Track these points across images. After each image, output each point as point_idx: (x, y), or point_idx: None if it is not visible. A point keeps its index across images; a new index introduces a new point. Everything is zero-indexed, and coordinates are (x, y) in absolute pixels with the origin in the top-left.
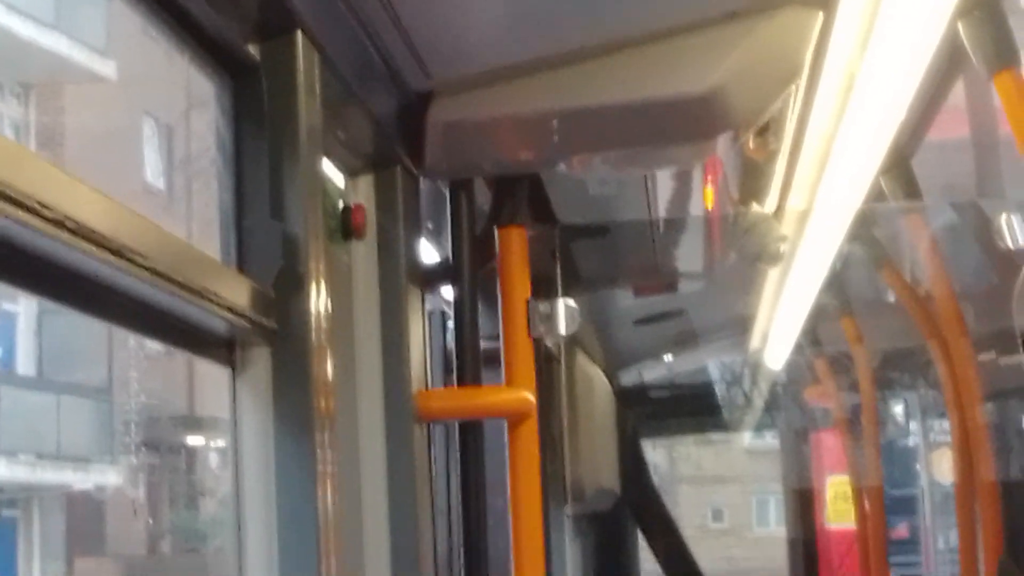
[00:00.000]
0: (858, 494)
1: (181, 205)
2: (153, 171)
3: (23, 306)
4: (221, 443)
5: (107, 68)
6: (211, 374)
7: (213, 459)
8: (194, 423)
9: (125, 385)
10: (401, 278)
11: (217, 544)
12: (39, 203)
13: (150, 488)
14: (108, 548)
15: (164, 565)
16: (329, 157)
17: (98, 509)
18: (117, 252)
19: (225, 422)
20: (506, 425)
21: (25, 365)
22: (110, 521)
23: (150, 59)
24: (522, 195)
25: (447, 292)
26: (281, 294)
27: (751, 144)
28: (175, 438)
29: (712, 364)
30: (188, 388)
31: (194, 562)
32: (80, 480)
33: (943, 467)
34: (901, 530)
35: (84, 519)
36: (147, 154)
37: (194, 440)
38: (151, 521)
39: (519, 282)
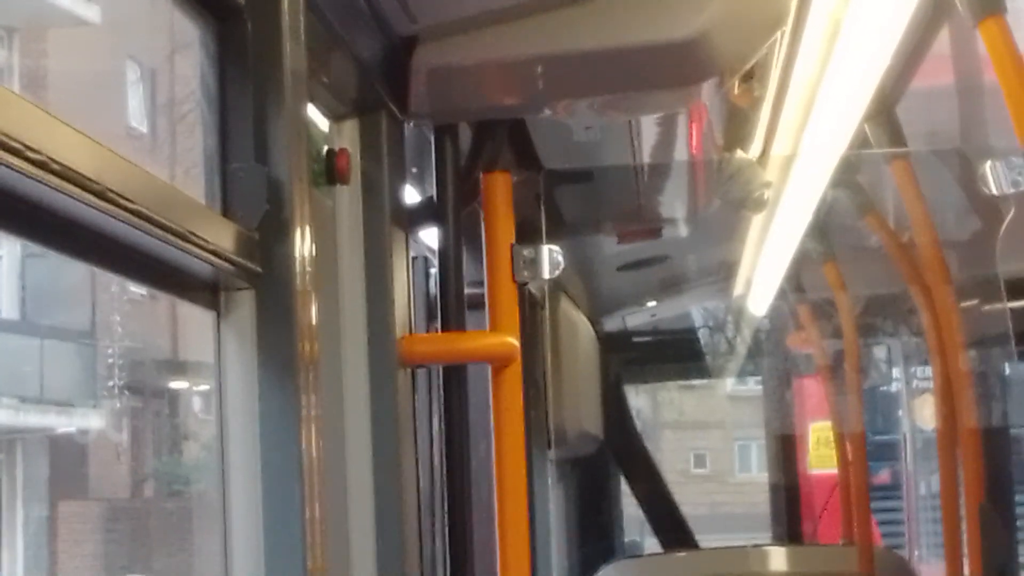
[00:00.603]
0: (840, 440)
1: (164, 149)
2: (136, 115)
3: (6, 250)
4: (204, 387)
5: (90, 12)
6: (194, 317)
7: (196, 403)
8: (177, 367)
9: (108, 329)
10: (385, 223)
11: (200, 488)
12: (23, 144)
13: (133, 432)
14: (91, 491)
15: (147, 508)
16: (313, 102)
17: (81, 453)
18: (101, 194)
19: (208, 366)
20: (490, 370)
21: (8, 309)
22: (93, 465)
23: (133, 2)
24: (503, 139)
25: (431, 238)
26: (265, 238)
27: (736, 90)
28: (158, 382)
29: (696, 310)
30: (172, 332)
31: (177, 505)
32: (63, 423)
33: (925, 413)
34: (883, 476)
35: (67, 462)
36: (130, 98)
37: (177, 384)
38: (134, 465)
39: (503, 227)
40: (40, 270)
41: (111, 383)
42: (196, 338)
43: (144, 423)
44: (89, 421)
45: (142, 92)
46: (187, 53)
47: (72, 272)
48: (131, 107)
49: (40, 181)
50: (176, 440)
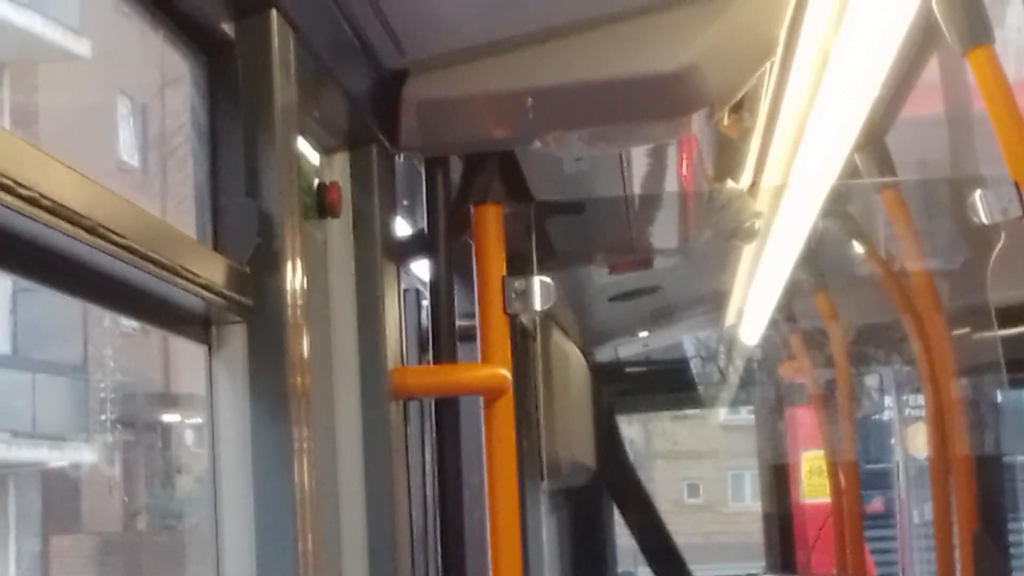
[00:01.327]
0: (833, 469)
1: (155, 183)
2: (127, 149)
3: None
4: (196, 420)
5: (81, 47)
6: (186, 351)
7: (189, 436)
8: (169, 400)
9: (100, 363)
10: (376, 255)
11: (193, 521)
12: (14, 181)
13: (126, 465)
14: (84, 525)
15: (140, 542)
16: (304, 135)
17: (74, 486)
18: (92, 230)
19: (200, 399)
20: (482, 402)
21: (0, 344)
22: (86, 498)
23: (124, 37)
24: (494, 171)
25: (422, 270)
26: (256, 272)
27: (726, 121)
28: (151, 415)
29: (687, 340)
30: (163, 365)
31: (170, 539)
32: (55, 458)
33: (918, 442)
34: (876, 504)
35: (60, 496)
36: (121, 132)
37: (170, 417)
38: (127, 498)
39: (495, 259)
40: (32, 304)
41: (103, 417)
42: (188, 372)
43: (136, 457)
44: (81, 455)
45: (132, 126)
46: (178, 87)
47: (64, 306)
48: (122, 141)
49: (31, 217)
50: (169, 473)
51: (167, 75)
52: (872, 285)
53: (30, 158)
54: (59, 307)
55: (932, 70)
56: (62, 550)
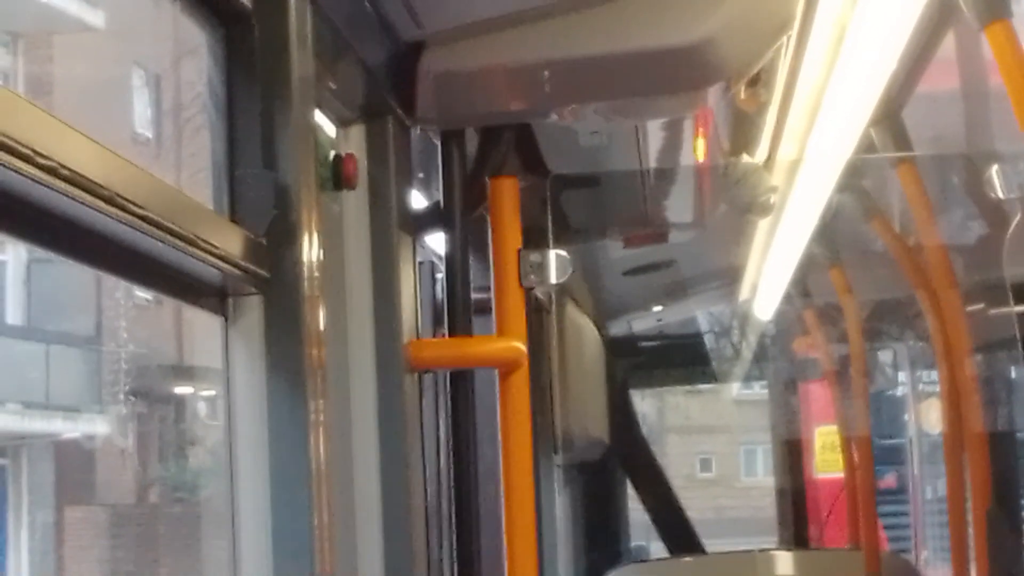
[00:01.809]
0: (846, 444)
1: (170, 154)
2: (141, 120)
3: (11, 255)
4: (211, 392)
5: (96, 17)
6: (201, 323)
7: (203, 408)
8: (183, 372)
9: (114, 334)
10: (392, 228)
11: (207, 493)
12: (33, 150)
13: (139, 437)
14: (97, 497)
15: (154, 513)
16: (321, 107)
17: (87, 458)
18: (110, 199)
19: (215, 371)
20: (497, 375)
21: (13, 314)
22: (99, 470)
23: (138, 8)
24: (510, 144)
25: (437, 243)
26: (273, 243)
27: (742, 95)
28: (165, 387)
29: (702, 315)
30: (177, 337)
31: (184, 511)
32: (69, 429)
33: (931, 417)
34: (889, 480)
35: (73, 468)
36: (136, 103)
37: (183, 389)
38: (140, 470)
39: (510, 232)
40: (45, 275)
41: (117, 388)
42: (202, 343)
43: (150, 428)
44: (95, 427)
45: (147, 97)
46: (192, 58)
47: (78, 277)
48: (136, 112)
49: (49, 187)
50: (182, 445)
51: (182, 46)
52: (887, 260)
53: (49, 127)
54: (73, 278)
55: (949, 45)
56: (75, 521)
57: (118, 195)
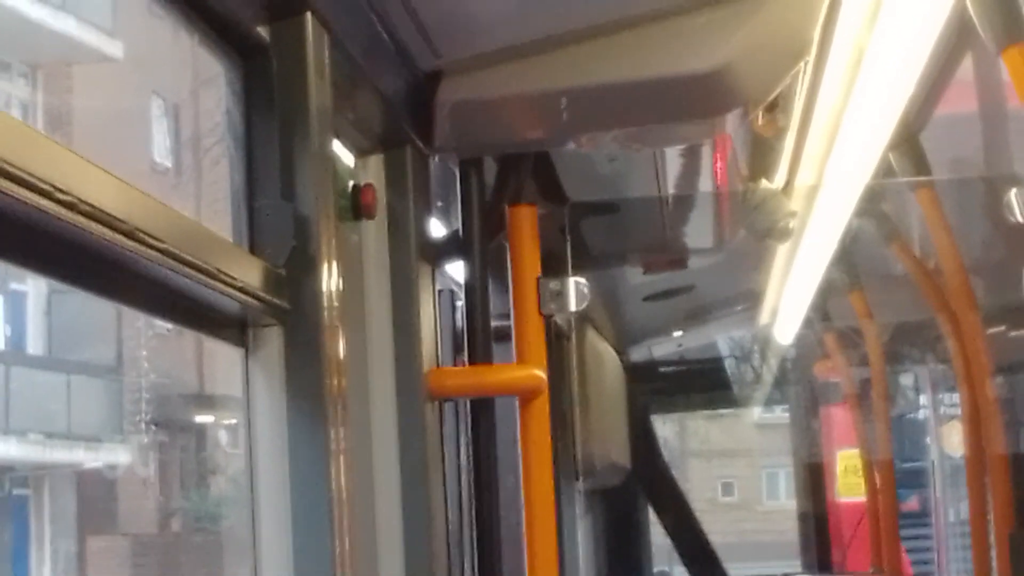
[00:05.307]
0: (868, 467)
1: (189, 184)
2: (160, 150)
3: (32, 286)
4: (231, 421)
5: (114, 48)
6: (221, 352)
7: (223, 437)
8: (204, 401)
9: (135, 364)
10: (411, 257)
11: (228, 523)
12: (53, 186)
13: (160, 466)
14: (119, 526)
15: (175, 542)
16: (339, 137)
17: (109, 487)
18: (130, 234)
19: (235, 400)
20: (517, 402)
21: (35, 345)
22: (121, 499)
23: (157, 39)
24: (528, 172)
25: (456, 271)
26: (292, 274)
27: (760, 120)
28: (185, 416)
29: (722, 339)
30: (198, 366)
31: (205, 539)
32: (90, 459)
33: (953, 440)
34: (912, 503)
35: (95, 498)
36: (155, 133)
37: (204, 418)
38: (162, 499)
39: (529, 260)
40: (66, 306)
41: (138, 418)
42: (222, 372)
43: (171, 457)
44: (116, 456)
45: (166, 127)
46: (211, 88)
47: (98, 308)
48: (156, 142)
49: (69, 222)
50: (203, 474)
51: (200, 75)
52: (907, 284)
53: (68, 163)
54: (94, 308)
55: (966, 68)
56: (98, 551)
57: (137, 229)
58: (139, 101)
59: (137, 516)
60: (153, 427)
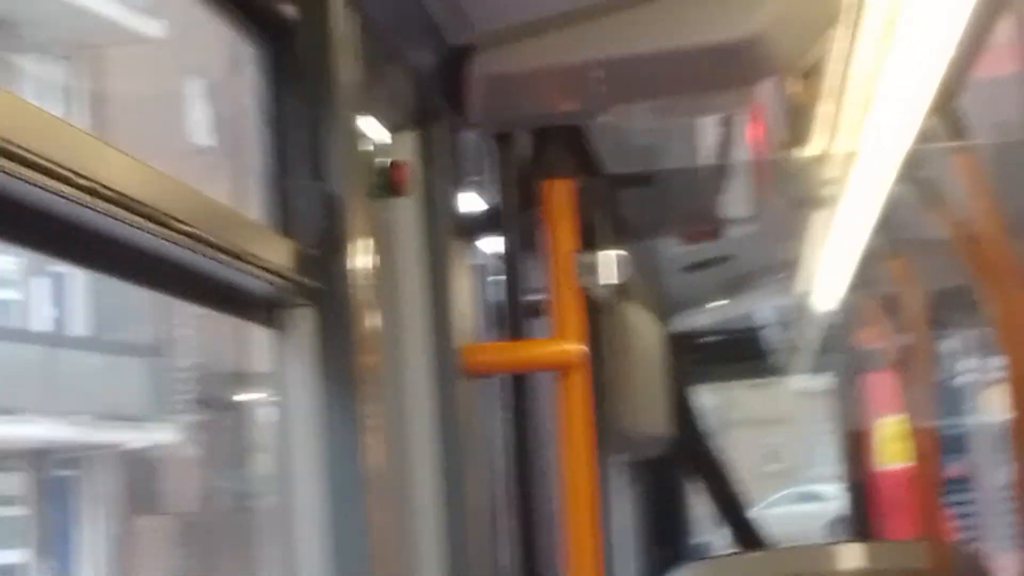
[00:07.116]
0: (912, 434)
1: (229, 163)
2: (200, 130)
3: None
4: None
5: (153, 28)
6: (261, 330)
7: (266, 415)
8: (246, 379)
9: (178, 344)
10: (445, 232)
11: (272, 500)
12: (73, 171)
13: (204, 445)
14: (164, 505)
15: (219, 521)
16: (371, 114)
17: (153, 467)
18: (155, 218)
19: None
20: (556, 377)
21: (81, 326)
22: (165, 479)
23: (194, 19)
24: (563, 145)
25: (489, 246)
26: (325, 254)
27: (795, 87)
28: (228, 395)
29: (763, 308)
30: (240, 345)
31: (248, 518)
32: (135, 439)
33: (997, 405)
34: (955, 469)
35: (139, 477)
36: (193, 113)
37: (248, 396)
38: (205, 478)
39: (565, 234)
40: (110, 287)
41: (181, 397)
42: (264, 350)
43: (214, 436)
44: (160, 436)
45: (204, 107)
46: (249, 67)
47: (140, 289)
48: (194, 122)
49: (91, 208)
50: (247, 452)
51: (238, 55)
52: (948, 249)
53: (88, 147)
54: (135, 290)
55: (1006, 28)
56: (143, 530)
57: (164, 213)
58: (177, 81)
59: (181, 495)
60: (196, 406)
